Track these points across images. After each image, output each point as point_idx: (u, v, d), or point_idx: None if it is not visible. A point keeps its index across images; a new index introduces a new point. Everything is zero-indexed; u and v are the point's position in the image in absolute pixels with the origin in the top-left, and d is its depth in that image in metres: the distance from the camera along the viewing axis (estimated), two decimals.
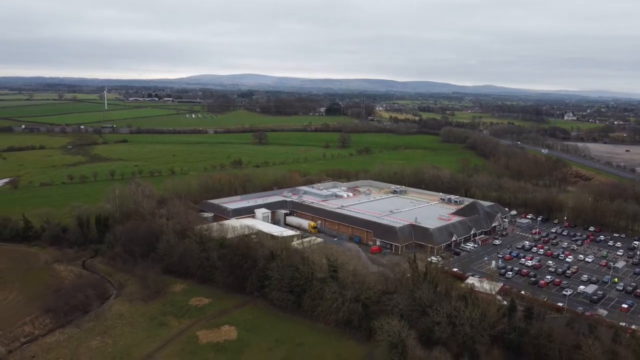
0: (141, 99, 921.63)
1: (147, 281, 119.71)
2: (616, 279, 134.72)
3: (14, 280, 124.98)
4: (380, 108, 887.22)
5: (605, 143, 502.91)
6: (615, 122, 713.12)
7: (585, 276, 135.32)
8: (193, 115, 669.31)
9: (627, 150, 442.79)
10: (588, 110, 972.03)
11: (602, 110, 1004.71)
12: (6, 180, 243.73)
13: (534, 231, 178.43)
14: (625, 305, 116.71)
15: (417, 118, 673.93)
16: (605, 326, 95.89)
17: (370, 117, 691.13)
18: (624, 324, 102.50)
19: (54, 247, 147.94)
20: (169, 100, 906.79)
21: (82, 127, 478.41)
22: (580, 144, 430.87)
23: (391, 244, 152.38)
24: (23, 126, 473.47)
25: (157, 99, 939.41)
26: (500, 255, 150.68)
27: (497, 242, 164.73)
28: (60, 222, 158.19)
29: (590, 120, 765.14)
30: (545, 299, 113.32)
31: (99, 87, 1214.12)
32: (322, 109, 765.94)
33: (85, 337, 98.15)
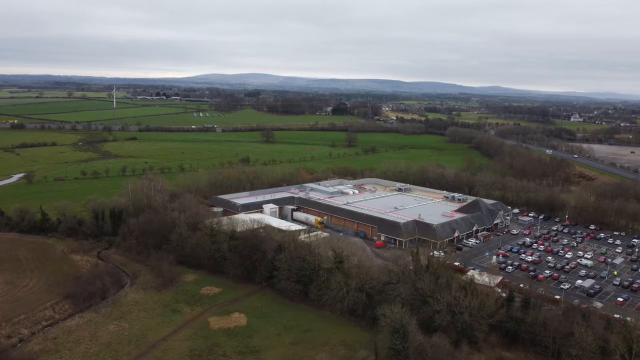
0: (149, 98, 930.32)
1: (160, 271, 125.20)
2: (615, 272, 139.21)
3: (33, 268, 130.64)
4: (387, 108, 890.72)
5: (610, 144, 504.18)
6: (622, 124, 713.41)
7: (583, 271, 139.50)
8: (201, 114, 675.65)
9: (632, 152, 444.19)
10: (595, 112, 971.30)
11: (609, 112, 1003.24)
12: (21, 175, 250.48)
13: (527, 232, 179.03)
14: (620, 299, 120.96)
15: (423, 118, 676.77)
16: (598, 317, 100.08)
17: (376, 117, 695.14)
18: (618, 316, 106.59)
19: (70, 238, 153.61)
20: (176, 99, 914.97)
21: (114, 126, 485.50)
22: (584, 145, 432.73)
23: (395, 239, 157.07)
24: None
25: (165, 97, 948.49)
26: (502, 251, 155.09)
27: (514, 231, 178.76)
28: (76, 215, 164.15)
29: (596, 122, 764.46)
30: (542, 292, 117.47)
31: (107, 86, 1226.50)
32: (329, 109, 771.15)
33: (103, 322, 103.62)
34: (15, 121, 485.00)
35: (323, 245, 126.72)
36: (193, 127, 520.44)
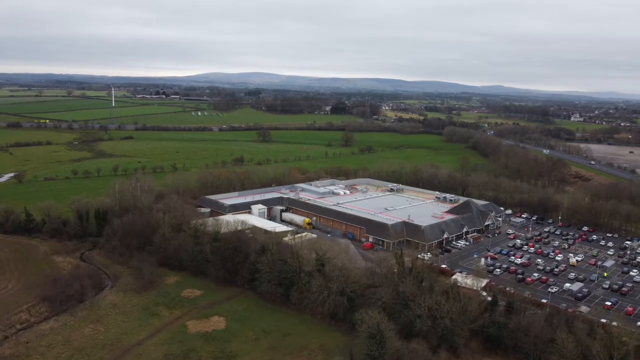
0: (148, 97, 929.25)
1: (141, 273, 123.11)
2: (605, 274, 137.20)
3: (13, 270, 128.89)
4: (387, 107, 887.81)
5: (609, 144, 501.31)
6: (622, 124, 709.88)
7: (573, 274, 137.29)
8: (199, 113, 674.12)
9: (630, 152, 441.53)
10: (596, 112, 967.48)
11: (610, 111, 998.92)
12: (11, 174, 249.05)
13: (512, 236, 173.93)
14: (608, 303, 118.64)
15: (421, 118, 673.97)
16: (582, 322, 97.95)
17: (375, 116, 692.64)
18: (604, 320, 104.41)
19: (54, 239, 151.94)
20: (176, 98, 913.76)
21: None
22: (582, 145, 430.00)
23: (383, 241, 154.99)
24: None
25: (164, 96, 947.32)
26: (491, 253, 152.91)
27: (510, 230, 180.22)
28: (61, 215, 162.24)
29: (597, 122, 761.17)
30: (529, 295, 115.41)
31: (108, 84, 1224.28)
32: (328, 108, 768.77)
33: (78, 325, 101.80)
34: (47, 121, 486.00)
35: (307, 247, 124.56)
36: (219, 127, 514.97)
